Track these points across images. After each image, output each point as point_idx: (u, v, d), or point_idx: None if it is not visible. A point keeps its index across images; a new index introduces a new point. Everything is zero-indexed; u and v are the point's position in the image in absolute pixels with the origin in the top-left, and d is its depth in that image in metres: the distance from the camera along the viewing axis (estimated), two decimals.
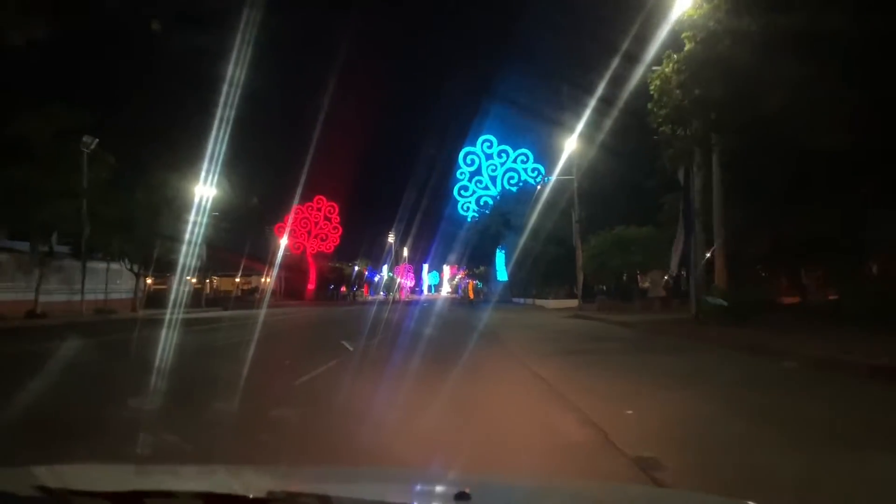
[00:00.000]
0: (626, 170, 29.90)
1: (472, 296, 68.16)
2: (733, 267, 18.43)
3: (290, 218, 74.97)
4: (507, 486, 2.14)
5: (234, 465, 3.38)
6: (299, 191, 63.65)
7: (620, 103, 23.36)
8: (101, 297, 36.69)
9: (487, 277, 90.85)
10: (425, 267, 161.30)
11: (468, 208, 64.93)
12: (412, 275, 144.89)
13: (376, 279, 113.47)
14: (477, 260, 72.35)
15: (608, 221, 30.36)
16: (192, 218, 38.39)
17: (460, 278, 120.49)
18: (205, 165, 38.54)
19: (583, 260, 28.19)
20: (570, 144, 33.34)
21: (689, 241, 18.72)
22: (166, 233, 39.17)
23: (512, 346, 14.86)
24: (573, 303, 39.37)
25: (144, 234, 36.41)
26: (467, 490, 1.45)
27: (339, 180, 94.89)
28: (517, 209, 42.15)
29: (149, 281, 45.72)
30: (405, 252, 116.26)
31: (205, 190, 43.28)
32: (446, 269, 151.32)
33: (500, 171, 64.90)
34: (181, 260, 36.99)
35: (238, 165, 45.56)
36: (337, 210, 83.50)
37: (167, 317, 23.50)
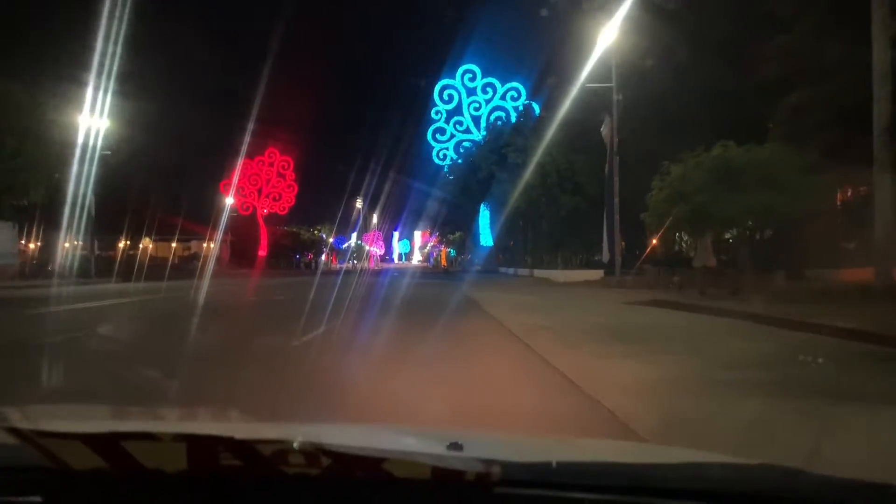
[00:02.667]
0: (704, 68, 18.77)
1: (444, 264, 57.70)
2: None
3: (237, 173, 64.61)
4: (498, 438, 2.17)
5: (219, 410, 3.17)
6: (246, 139, 52.29)
7: None
8: None
9: (465, 244, 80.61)
10: (396, 234, 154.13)
11: (445, 156, 52.46)
12: (382, 242, 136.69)
13: (345, 246, 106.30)
14: (454, 222, 61.03)
15: (667, 152, 19.02)
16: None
17: (432, 245, 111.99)
18: (92, 85, 29.73)
19: (651, 207, 16.51)
20: (606, 34, 21.65)
21: None
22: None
23: None
24: (593, 274, 28.40)
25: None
26: (459, 442, 1.45)
27: (297, 130, 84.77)
28: (516, 142, 30.81)
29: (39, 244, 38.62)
30: (374, 218, 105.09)
31: (91, 121, 33.14)
32: (418, 236, 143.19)
33: (484, 111, 51.86)
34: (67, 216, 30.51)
35: (158, 98, 38.48)
36: (292, 165, 73.05)
37: None
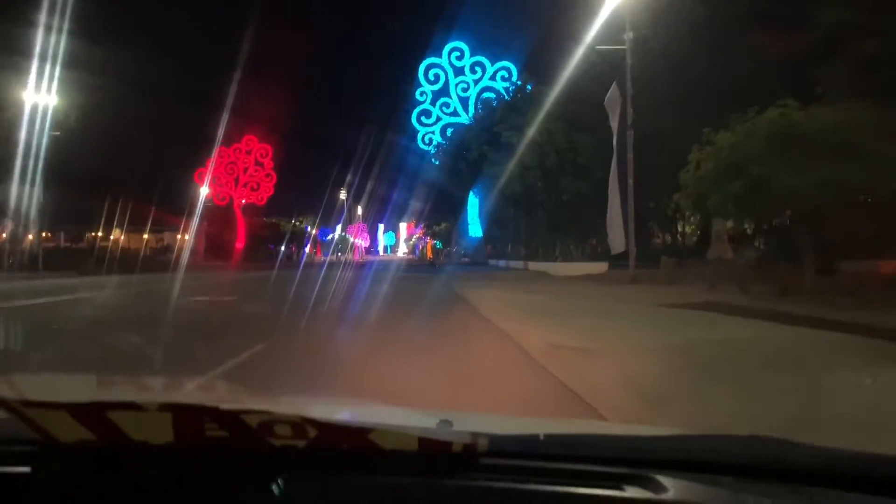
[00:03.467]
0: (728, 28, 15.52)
1: (430, 255, 54.62)
2: None
3: (213, 161, 60.92)
4: (488, 417, 2.20)
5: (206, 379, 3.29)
6: (223, 125, 48.93)
7: None
8: None
9: (451, 235, 77.57)
10: (381, 227, 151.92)
11: (431, 140, 48.77)
12: (367, 234, 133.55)
13: (329, 238, 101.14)
14: (441, 211, 57.77)
15: (686, 127, 15.78)
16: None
17: (418, 237, 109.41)
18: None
19: (690, 184, 12.96)
20: None
21: None
22: None
23: None
24: (595, 267, 25.27)
25: None
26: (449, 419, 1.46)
27: (276, 117, 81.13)
28: (511, 120, 27.46)
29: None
30: (359, 210, 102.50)
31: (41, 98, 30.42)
32: (403, 228, 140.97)
33: (473, 91, 47.93)
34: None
35: (127, 81, 35.86)
36: (270, 153, 69.36)
37: None
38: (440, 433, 1.30)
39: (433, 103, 51.26)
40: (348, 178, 58.41)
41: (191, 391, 1.99)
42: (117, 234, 54.72)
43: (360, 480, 1.28)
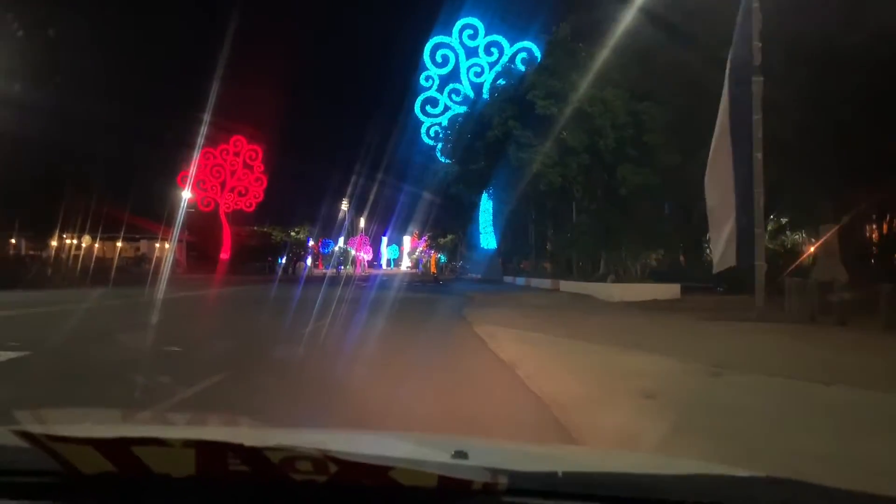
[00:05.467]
0: None
1: (434, 270, 47.78)
2: None
3: (197, 163, 54.55)
4: (502, 447, 2.17)
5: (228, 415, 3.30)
6: (206, 122, 43.64)
7: None
8: None
9: (457, 249, 70.37)
10: (384, 240, 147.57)
11: (437, 134, 40.72)
12: (370, 247, 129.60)
13: (334, 250, 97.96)
14: (447, 220, 50.39)
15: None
16: None
17: (421, 251, 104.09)
18: None
19: None
20: None
21: None
22: None
23: None
24: (664, 290, 18.00)
25: None
26: (464, 450, 1.47)
27: (267, 116, 74.62)
28: (548, 86, 19.80)
29: None
30: (361, 222, 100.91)
31: None
32: (407, 242, 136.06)
33: (487, 77, 38.19)
34: None
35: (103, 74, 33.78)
36: (260, 155, 63.20)
37: None
38: (459, 470, 1.29)
39: (440, 90, 43.45)
40: (349, 188, 52.39)
41: (215, 427, 2.12)
42: (88, 242, 51.17)
43: None
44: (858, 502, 1.30)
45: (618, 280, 20.54)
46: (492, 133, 21.78)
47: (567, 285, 25.97)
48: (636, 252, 21.30)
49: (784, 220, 21.94)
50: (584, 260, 25.92)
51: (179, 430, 1.70)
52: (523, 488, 1.26)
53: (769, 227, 21.17)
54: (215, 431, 1.72)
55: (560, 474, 1.34)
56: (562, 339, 9.53)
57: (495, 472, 1.25)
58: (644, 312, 15.08)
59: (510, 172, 23.37)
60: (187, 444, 1.23)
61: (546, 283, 30.10)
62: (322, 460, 1.20)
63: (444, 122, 36.78)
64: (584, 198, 22.69)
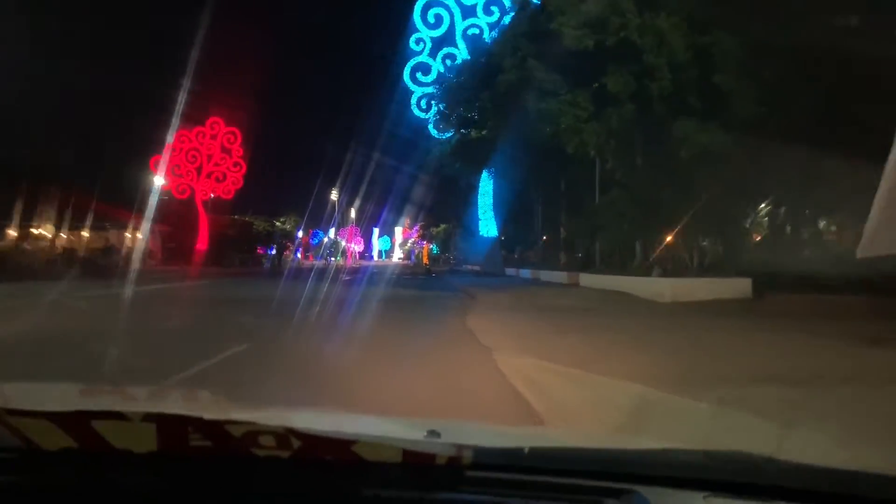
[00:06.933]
0: None
1: (426, 261, 43.74)
2: None
3: (170, 147, 49.45)
4: (476, 427, 2.07)
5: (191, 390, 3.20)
6: (181, 101, 39.26)
7: None
8: None
9: (450, 238, 65.97)
10: (375, 231, 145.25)
11: (429, 105, 35.13)
12: (361, 238, 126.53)
13: (324, 241, 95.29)
14: (441, 208, 45.69)
15: None
16: None
17: (413, 241, 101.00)
18: None
19: None
20: None
21: None
22: None
23: None
24: (732, 287, 13.44)
25: None
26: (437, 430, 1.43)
27: (247, 95, 70.09)
28: (578, 9, 14.45)
29: None
30: (352, 213, 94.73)
31: None
32: (399, 233, 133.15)
33: (490, 36, 34.69)
34: None
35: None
36: (239, 138, 58.58)
37: None
38: (425, 445, 1.27)
39: (433, 55, 38.11)
40: (338, 175, 48.28)
41: (175, 400, 2.14)
42: (52, 232, 47.47)
43: (343, 492, 1.26)
44: (823, 476, 1.29)
45: (665, 273, 15.71)
46: (504, 78, 16.63)
47: (589, 279, 21.09)
48: (688, 239, 16.35)
49: None
50: (610, 249, 20.99)
51: (140, 405, 1.60)
52: (489, 462, 1.25)
53: None
54: (175, 405, 1.76)
55: (526, 450, 1.32)
56: (682, 402, 4.67)
57: (461, 447, 1.22)
58: (744, 323, 10.20)
59: (523, 136, 18.38)
60: (147, 417, 1.21)
61: (560, 276, 25.19)
62: (285, 435, 1.18)
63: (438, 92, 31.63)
64: (620, 166, 17.66)
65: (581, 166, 20.37)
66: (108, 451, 1.23)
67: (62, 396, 1.72)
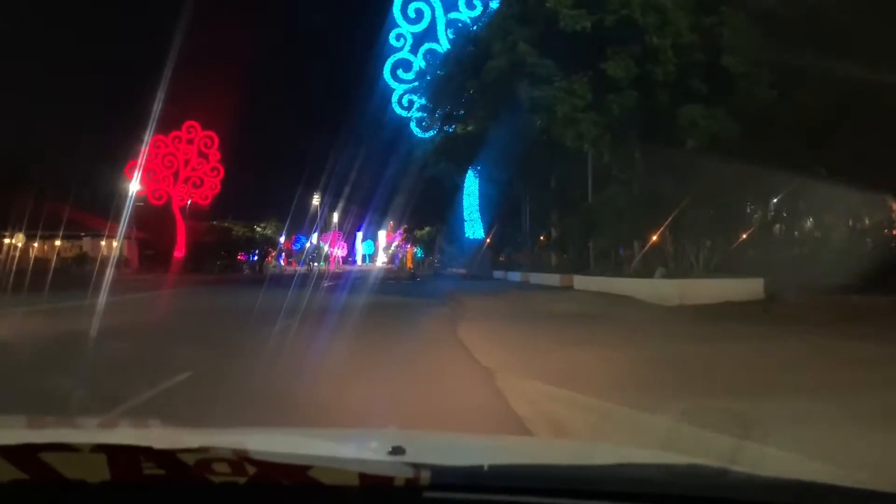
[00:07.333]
0: None
1: (410, 265, 42.78)
2: None
3: (146, 151, 47.38)
4: (440, 440, 2.10)
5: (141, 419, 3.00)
6: (157, 104, 37.35)
7: None
8: None
9: (435, 241, 64.80)
10: (359, 235, 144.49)
11: (410, 104, 33.26)
12: (344, 243, 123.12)
13: (307, 247, 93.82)
14: (425, 210, 44.38)
15: None
16: None
17: (397, 245, 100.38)
18: None
19: None
20: None
21: None
22: None
23: None
24: (743, 288, 12.42)
25: None
26: (403, 446, 1.42)
27: (224, 98, 68.25)
28: None
29: None
30: (335, 218, 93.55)
31: None
32: (382, 236, 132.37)
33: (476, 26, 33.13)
34: None
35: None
36: (216, 142, 56.78)
37: None
38: (383, 467, 1.26)
39: (414, 51, 36.69)
40: (319, 178, 46.82)
41: (125, 430, 2.00)
42: (22, 241, 46.14)
43: None
44: (779, 487, 1.32)
45: (668, 274, 14.52)
46: (493, 65, 15.23)
47: (584, 281, 19.95)
48: (697, 235, 15.10)
49: None
50: (607, 249, 19.77)
51: (88, 434, 1.60)
52: (447, 483, 1.24)
53: None
54: (124, 434, 1.70)
55: (486, 468, 1.33)
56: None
57: (419, 467, 1.21)
58: (776, 331, 8.98)
59: (512, 129, 17.08)
60: (96, 448, 1.21)
61: (552, 278, 24.04)
62: (239, 462, 1.18)
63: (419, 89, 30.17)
64: (618, 161, 16.39)
65: (573, 163, 19.18)
66: (61, 483, 1.21)
67: (9, 429, 1.65)
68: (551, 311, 13.14)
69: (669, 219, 14.17)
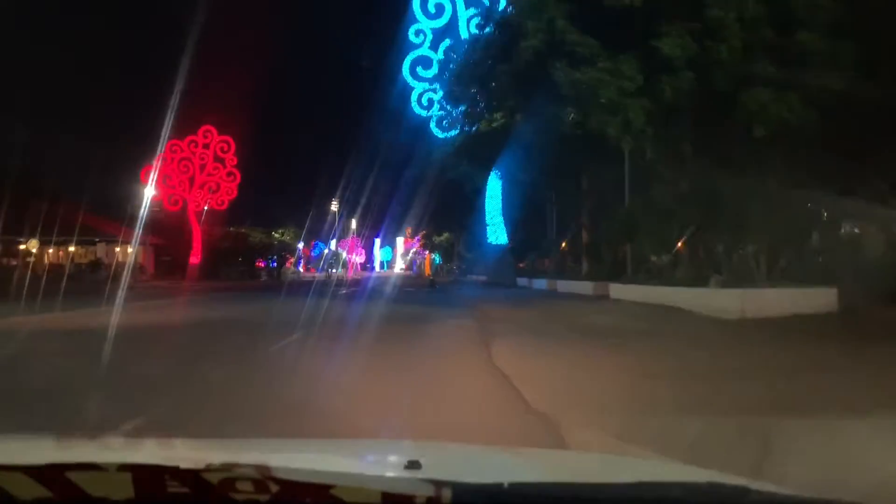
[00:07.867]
0: None
1: (428, 273, 41.62)
2: None
3: (161, 156, 47.04)
4: (457, 453, 2.08)
5: (165, 438, 2.80)
6: (172, 108, 36.57)
7: None
8: None
9: (453, 248, 63.57)
10: (377, 241, 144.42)
11: (430, 103, 32.13)
12: (362, 249, 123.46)
13: (325, 253, 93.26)
14: (444, 215, 42.99)
15: None
16: None
17: (415, 251, 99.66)
18: None
19: None
20: None
21: None
22: None
23: None
24: (816, 299, 10.57)
25: None
26: (419, 459, 1.46)
27: (242, 102, 67.51)
28: None
29: None
30: (353, 224, 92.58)
31: None
32: (400, 243, 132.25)
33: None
34: None
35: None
36: (233, 147, 55.75)
37: None
38: (403, 485, 1.29)
39: (434, 47, 35.28)
40: (338, 184, 46.21)
41: (151, 449, 1.96)
42: (35, 247, 45.64)
43: None
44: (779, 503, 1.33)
45: (725, 283, 12.80)
46: (527, 45, 13.54)
47: (622, 290, 18.24)
48: (759, 237, 13.27)
49: None
50: (645, 253, 18.01)
51: (114, 454, 1.61)
52: (467, 501, 1.26)
53: None
54: (150, 454, 1.68)
55: (506, 485, 1.33)
56: None
57: (439, 485, 1.23)
58: (873, 355, 7.27)
59: (544, 120, 15.41)
60: (122, 468, 1.23)
61: (583, 286, 22.32)
62: (262, 481, 1.20)
63: (438, 88, 28.62)
64: (663, 156, 14.63)
65: (608, 160, 17.50)
66: (86, 501, 1.23)
67: (36, 448, 1.67)
68: (594, 325, 11.47)
69: (726, 220, 12.50)
